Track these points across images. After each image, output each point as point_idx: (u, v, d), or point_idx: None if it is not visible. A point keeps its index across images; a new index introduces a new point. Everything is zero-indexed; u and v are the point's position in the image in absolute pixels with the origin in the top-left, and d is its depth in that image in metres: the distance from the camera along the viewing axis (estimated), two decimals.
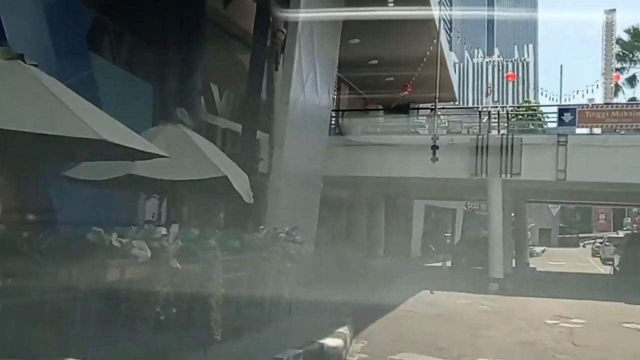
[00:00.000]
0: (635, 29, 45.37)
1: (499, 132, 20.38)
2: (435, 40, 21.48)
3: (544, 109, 21.52)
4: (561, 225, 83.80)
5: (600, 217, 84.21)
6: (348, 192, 29.09)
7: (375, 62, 25.02)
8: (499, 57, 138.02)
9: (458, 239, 37.97)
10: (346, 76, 25.05)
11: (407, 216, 35.52)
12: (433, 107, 20.86)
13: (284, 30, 15.75)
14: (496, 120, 20.62)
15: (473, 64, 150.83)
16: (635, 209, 61.80)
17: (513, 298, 17.52)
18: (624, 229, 67.39)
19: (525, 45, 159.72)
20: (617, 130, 19.93)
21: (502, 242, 20.09)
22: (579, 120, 19.59)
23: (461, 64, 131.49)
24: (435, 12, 21.95)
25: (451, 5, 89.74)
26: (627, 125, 19.57)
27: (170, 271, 5.99)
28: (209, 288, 6.76)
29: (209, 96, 16.98)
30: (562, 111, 19.89)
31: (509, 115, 20.94)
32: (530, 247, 41.69)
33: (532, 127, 20.86)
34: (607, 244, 40.79)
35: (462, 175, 20.45)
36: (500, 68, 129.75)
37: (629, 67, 46.26)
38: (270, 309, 9.41)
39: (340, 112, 22.90)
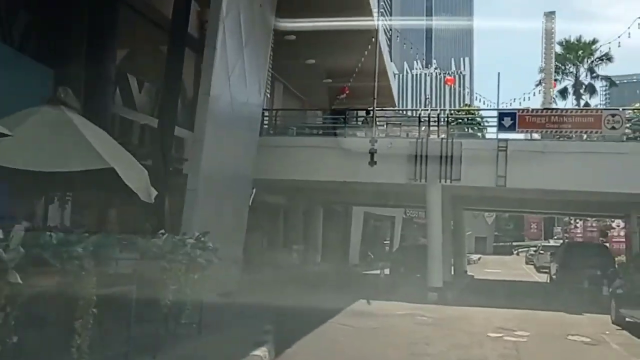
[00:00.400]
0: (567, 42, 45.79)
1: (438, 136, 19.30)
2: (373, 39, 20.32)
3: (483, 114, 20.53)
4: (496, 233, 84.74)
5: (532, 226, 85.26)
6: (285, 197, 27.72)
7: (313, 61, 23.69)
8: (436, 69, 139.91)
9: (397, 246, 36.95)
10: (281, 75, 23.61)
11: (345, 223, 34.32)
12: (371, 109, 19.64)
13: None
14: (436, 123, 19.53)
15: (412, 75, 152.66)
16: (566, 218, 62.59)
17: (453, 308, 16.38)
18: (555, 237, 68.32)
19: (461, 59, 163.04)
20: (556, 136, 19.17)
21: (441, 250, 18.98)
22: (519, 125, 18.68)
23: (400, 74, 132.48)
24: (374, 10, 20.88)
25: (391, 15, 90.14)
26: (566, 131, 18.81)
27: (6, 288, 4.32)
28: (72, 308, 5.11)
29: (125, 88, 15.16)
30: (502, 115, 18.96)
31: (449, 119, 19.88)
32: (467, 255, 41.21)
33: (471, 131, 19.86)
34: (542, 252, 40.70)
35: (400, 180, 19.27)
36: (438, 80, 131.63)
37: (561, 79, 46.59)
38: (174, 329, 7.78)
39: (274, 112, 21.36)
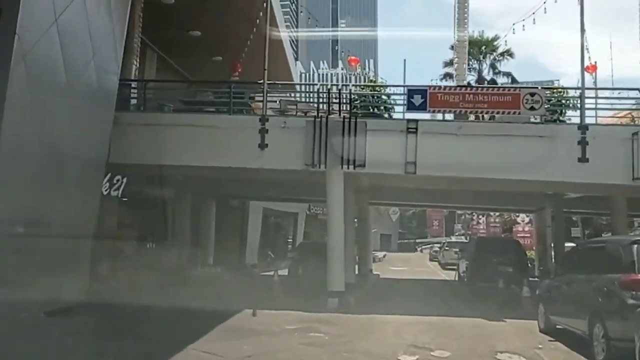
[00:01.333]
0: (470, 37, 44.46)
1: (340, 114, 16.26)
2: (265, 4, 17.03)
3: (391, 91, 17.66)
4: (400, 230, 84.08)
5: (434, 223, 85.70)
6: (171, 188, 23.91)
7: (198, 33, 20.06)
8: (342, 69, 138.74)
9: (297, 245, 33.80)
10: (159, 45, 19.83)
11: (242, 219, 30.87)
12: (261, 82, 16.31)
13: None
14: (337, 100, 16.45)
15: (318, 75, 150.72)
16: (468, 215, 62.09)
17: (356, 317, 13.38)
18: (456, 234, 68.12)
19: (366, 60, 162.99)
20: (471, 117, 16.69)
21: (343, 249, 15.90)
22: (431, 103, 15.96)
23: (307, 74, 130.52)
24: None
25: (297, 14, 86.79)
26: (482, 112, 16.26)
27: None
28: None
29: None
30: (411, 92, 16.14)
31: (352, 96, 16.84)
32: (373, 252, 38.89)
33: (377, 112, 16.99)
34: (447, 248, 39.02)
35: (296, 167, 16.08)
36: (344, 79, 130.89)
37: (464, 74, 45.28)
38: None
39: (144, 84, 17.46)
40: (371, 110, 17.03)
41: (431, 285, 24.12)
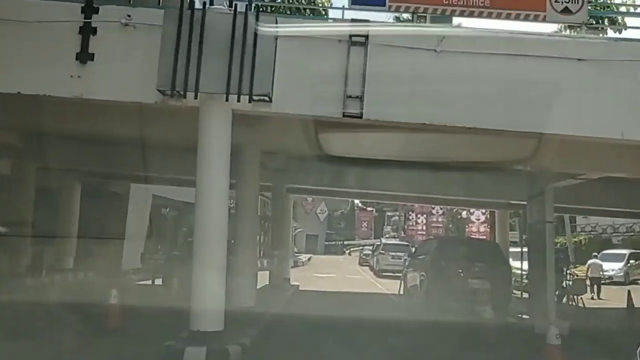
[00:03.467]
0: None
1: (229, 3, 8.80)
2: None
3: None
4: (328, 231, 77.76)
5: (362, 225, 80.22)
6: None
7: None
8: None
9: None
10: None
11: (120, 209, 23.01)
12: None
13: None
14: None
15: None
16: (400, 216, 56.33)
17: None
18: (385, 236, 62.68)
19: None
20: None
21: (225, 251, 8.40)
22: None
23: None
24: None
25: None
26: (480, 13, 9.24)
27: None
28: None
29: None
30: None
31: None
32: (296, 255, 31.76)
33: (299, 4, 9.69)
34: (382, 252, 32.21)
35: (143, 97, 8.54)
36: None
37: None
38: None
39: None
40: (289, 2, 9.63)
41: (371, 306, 16.55)
